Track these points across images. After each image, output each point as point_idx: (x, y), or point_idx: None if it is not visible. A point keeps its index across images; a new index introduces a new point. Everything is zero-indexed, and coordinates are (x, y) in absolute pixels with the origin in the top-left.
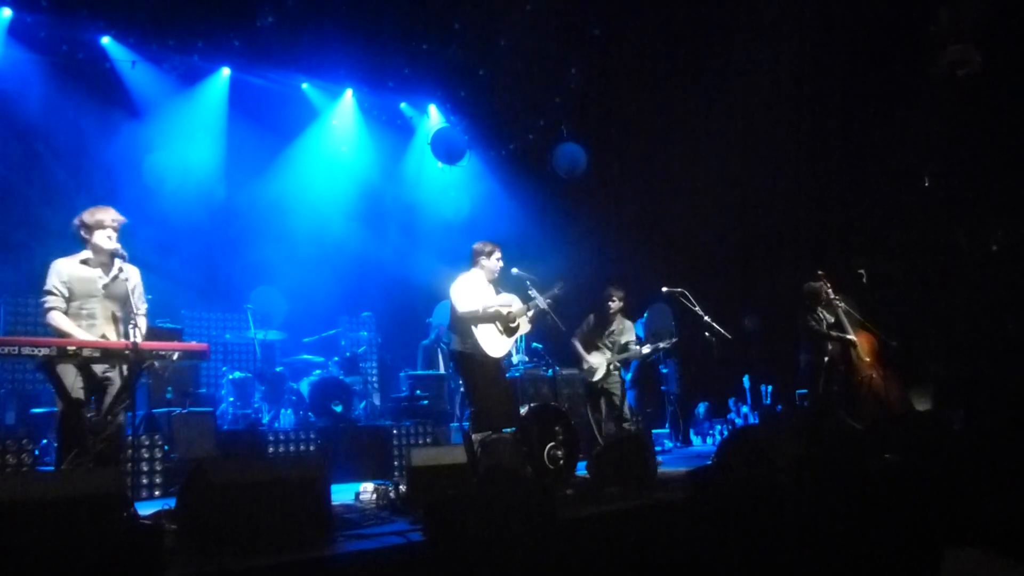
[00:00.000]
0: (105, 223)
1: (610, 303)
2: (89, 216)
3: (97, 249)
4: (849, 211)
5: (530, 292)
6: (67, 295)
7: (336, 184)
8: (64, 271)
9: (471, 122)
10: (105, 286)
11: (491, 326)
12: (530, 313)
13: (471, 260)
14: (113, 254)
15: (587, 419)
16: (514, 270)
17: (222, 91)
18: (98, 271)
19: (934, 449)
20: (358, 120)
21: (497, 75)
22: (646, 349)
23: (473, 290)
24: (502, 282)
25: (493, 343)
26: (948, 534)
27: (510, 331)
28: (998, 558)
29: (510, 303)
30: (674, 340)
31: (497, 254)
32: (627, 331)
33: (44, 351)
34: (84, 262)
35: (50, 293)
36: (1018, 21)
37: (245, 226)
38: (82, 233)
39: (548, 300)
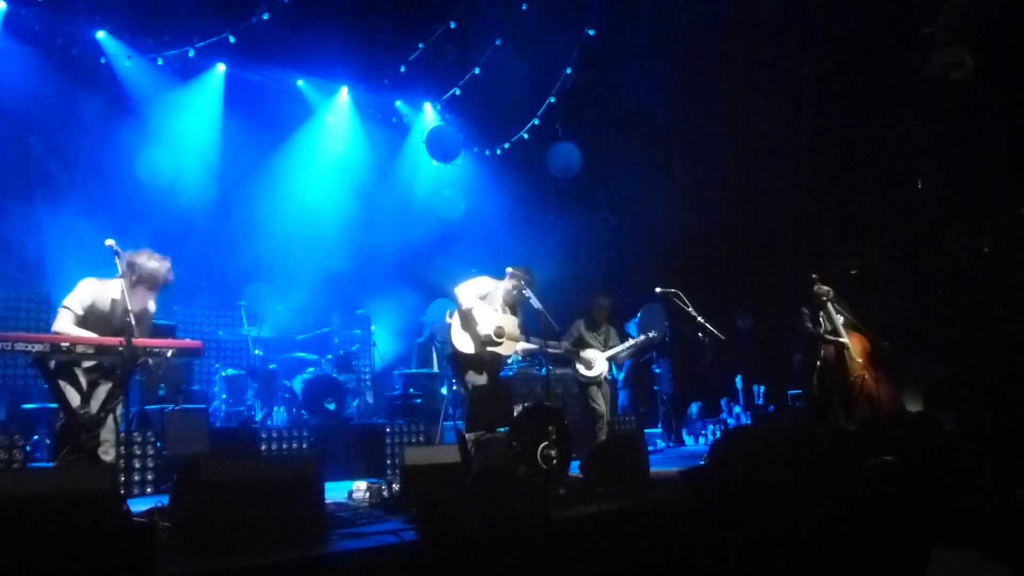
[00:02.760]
0: (157, 279)
1: (596, 308)
2: (143, 263)
3: (132, 296)
4: (842, 212)
5: (525, 292)
6: (82, 316)
7: (330, 182)
8: (89, 295)
9: (466, 121)
10: (116, 326)
11: (468, 328)
12: (519, 347)
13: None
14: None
15: (580, 418)
16: (534, 303)
17: (217, 87)
18: (119, 311)
19: (925, 449)
20: (353, 118)
21: (492, 74)
22: (640, 338)
23: (477, 289)
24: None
25: (463, 339)
26: (936, 534)
27: (486, 343)
28: (984, 559)
29: (503, 324)
30: (651, 335)
31: (517, 283)
32: (613, 336)
33: (38, 347)
34: (114, 301)
35: (67, 308)
36: (1011, 24)
37: (239, 223)
38: (125, 270)
39: (549, 347)
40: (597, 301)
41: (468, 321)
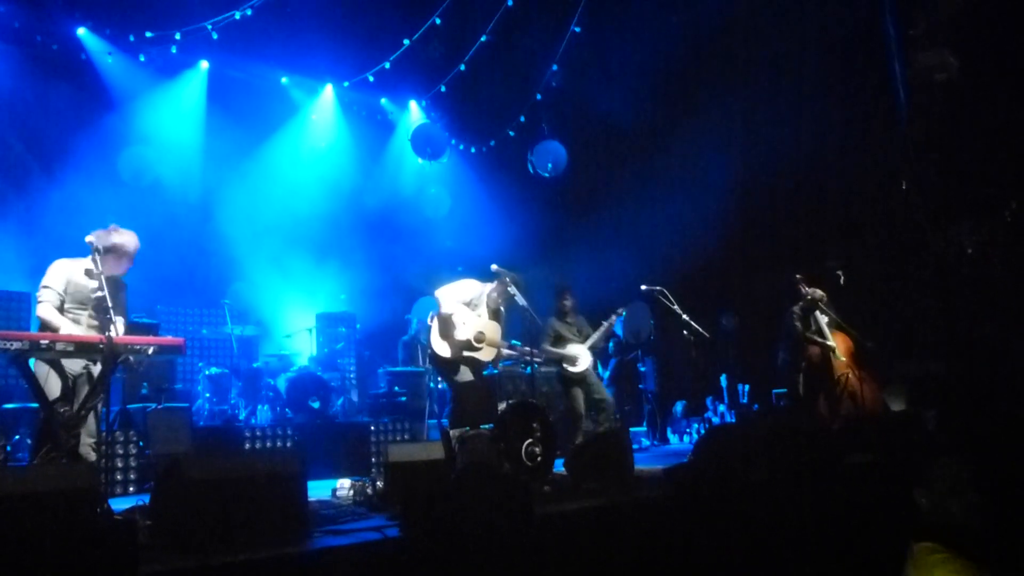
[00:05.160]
0: (125, 249)
1: (564, 302)
2: (106, 238)
3: (103, 268)
4: (827, 213)
5: (510, 290)
6: (62, 295)
7: (315, 179)
8: (64, 274)
9: (452, 118)
10: (97, 299)
11: (447, 332)
12: (501, 352)
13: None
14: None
15: (565, 416)
16: (519, 300)
17: (200, 84)
18: (95, 283)
19: (907, 448)
20: (338, 115)
21: (478, 71)
22: (611, 318)
23: (461, 294)
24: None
25: (441, 343)
26: (915, 531)
27: (464, 348)
28: (961, 557)
29: (484, 330)
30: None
31: (503, 288)
32: (584, 324)
33: (16, 345)
34: (87, 272)
35: (47, 288)
36: (996, 26)
37: (223, 221)
38: (94, 248)
39: (532, 355)
40: (562, 302)
41: (447, 326)
